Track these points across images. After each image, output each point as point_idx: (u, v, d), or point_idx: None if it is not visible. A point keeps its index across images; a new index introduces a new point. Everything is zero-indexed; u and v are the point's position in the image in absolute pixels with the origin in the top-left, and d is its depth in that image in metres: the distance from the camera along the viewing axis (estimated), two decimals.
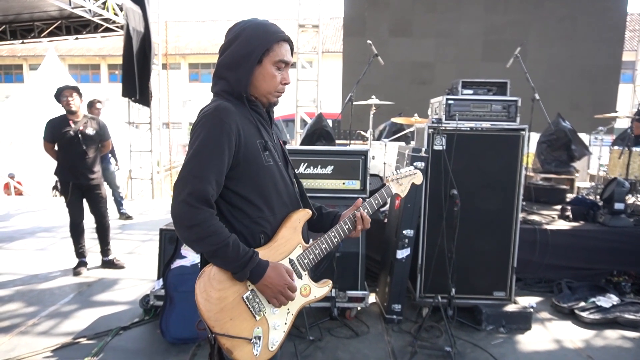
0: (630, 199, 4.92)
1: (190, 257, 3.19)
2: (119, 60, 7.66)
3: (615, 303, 3.66)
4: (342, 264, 3.42)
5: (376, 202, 1.76)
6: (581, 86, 8.71)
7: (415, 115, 5.04)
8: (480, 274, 3.53)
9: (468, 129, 3.39)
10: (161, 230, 3.47)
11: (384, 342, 3.14)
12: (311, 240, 1.65)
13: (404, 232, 3.36)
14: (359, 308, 3.51)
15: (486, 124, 3.40)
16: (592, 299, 3.73)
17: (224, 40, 1.56)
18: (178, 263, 3.16)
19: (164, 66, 9.95)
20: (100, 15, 7.68)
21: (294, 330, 3.10)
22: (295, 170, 3.37)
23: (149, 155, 9.62)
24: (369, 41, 5.29)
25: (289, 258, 1.56)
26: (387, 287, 3.54)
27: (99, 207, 4.54)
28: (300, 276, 1.58)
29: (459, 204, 3.26)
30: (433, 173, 3.42)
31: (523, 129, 3.39)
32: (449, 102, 3.40)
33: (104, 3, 7.71)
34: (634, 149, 5.26)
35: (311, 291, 1.61)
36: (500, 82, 3.49)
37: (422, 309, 3.53)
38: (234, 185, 1.49)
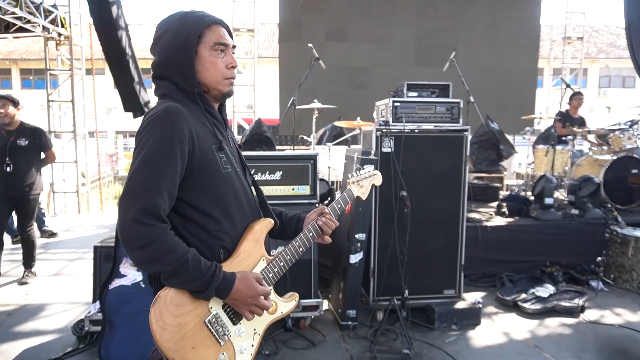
0: (556, 194, 5.27)
1: (130, 275, 2.92)
2: (34, 65, 6.95)
3: (552, 292, 3.88)
4: (295, 272, 3.29)
5: (339, 206, 1.68)
6: (505, 89, 9.28)
7: (358, 118, 5.06)
8: (431, 273, 3.58)
9: (415, 130, 3.44)
10: (95, 248, 3.16)
11: (341, 350, 3.07)
12: (274, 252, 1.54)
13: (357, 236, 3.33)
14: (313, 317, 3.42)
15: (431, 126, 3.46)
16: (532, 290, 3.93)
17: (152, 39, 1.41)
18: (117, 283, 2.89)
19: (89, 72, 9.27)
20: (13, 13, 6.97)
21: None
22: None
23: (73, 166, 8.90)
24: (310, 45, 5.25)
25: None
26: (340, 293, 3.48)
27: (22, 220, 4.33)
28: None
29: (409, 205, 3.29)
30: (383, 175, 3.39)
31: (466, 130, 3.50)
32: (396, 104, 3.43)
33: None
34: (558, 147, 5.66)
35: (277, 307, 1.50)
36: (442, 85, 3.58)
37: (376, 312, 3.51)
38: (188, 196, 1.34)
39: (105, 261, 3.09)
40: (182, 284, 1.26)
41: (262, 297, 1.35)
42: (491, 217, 4.80)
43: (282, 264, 1.50)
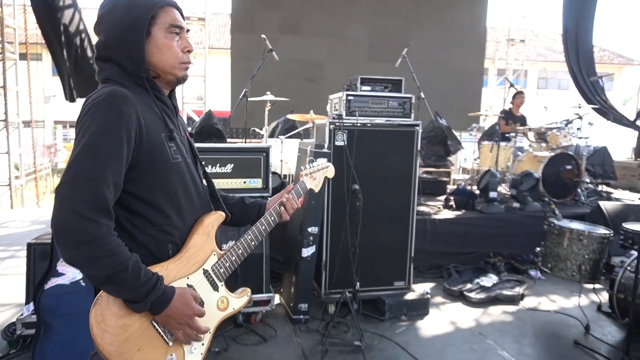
0: (499, 188, 5.52)
1: (69, 273, 2.74)
2: None
3: (495, 282, 4.05)
4: (246, 267, 3.20)
5: (292, 197, 1.65)
6: (454, 87, 9.58)
7: (311, 111, 5.04)
8: (382, 265, 3.63)
9: (368, 124, 3.46)
10: (29, 245, 2.94)
11: (293, 344, 3.05)
12: (225, 247, 1.49)
13: (309, 229, 3.31)
14: (264, 311, 3.38)
15: (384, 120, 3.49)
16: (477, 280, 4.09)
17: (97, 17, 1.31)
18: (54, 282, 2.70)
19: (23, 56, 8.63)
20: None
21: None
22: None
23: (4, 157, 8.26)
24: (263, 36, 5.15)
25: (203, 269, 1.37)
26: (292, 287, 3.46)
27: None
28: (216, 288, 1.40)
29: (361, 198, 3.31)
30: (335, 169, 3.40)
31: (417, 125, 3.56)
32: (349, 97, 3.43)
33: None
34: (501, 143, 5.92)
35: (229, 303, 1.45)
36: (395, 80, 3.63)
37: (328, 305, 3.52)
38: (134, 188, 1.25)
39: (40, 259, 2.88)
40: (116, 291, 1.16)
41: (196, 318, 1.28)
42: (439, 210, 4.95)
43: (233, 258, 1.46)
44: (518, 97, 6.67)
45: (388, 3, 9.33)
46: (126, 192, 1.24)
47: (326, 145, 3.28)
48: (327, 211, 3.46)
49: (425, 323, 3.44)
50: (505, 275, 4.34)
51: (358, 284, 3.40)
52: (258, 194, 3.39)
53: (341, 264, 3.48)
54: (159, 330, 1.23)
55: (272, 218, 1.56)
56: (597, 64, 10.46)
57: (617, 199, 5.88)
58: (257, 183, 3.42)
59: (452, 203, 4.98)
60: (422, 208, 4.95)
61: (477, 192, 5.09)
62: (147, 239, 1.28)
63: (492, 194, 4.75)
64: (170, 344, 1.25)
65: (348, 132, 3.39)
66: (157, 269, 1.25)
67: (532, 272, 4.36)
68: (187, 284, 1.32)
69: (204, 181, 1.52)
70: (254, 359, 2.87)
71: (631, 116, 8.94)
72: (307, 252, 3.32)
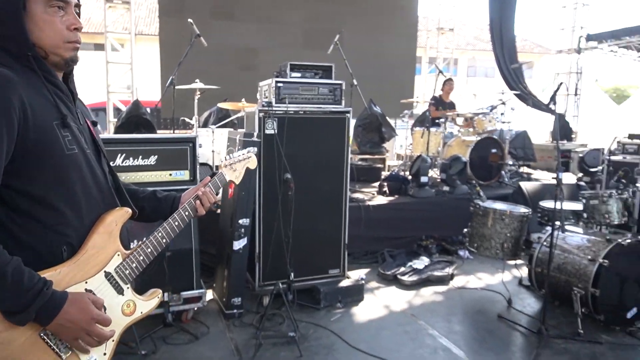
0: (430, 173, 5.69)
1: None
2: None
3: (427, 264, 4.19)
4: (174, 264, 3.10)
5: (209, 190, 1.56)
6: (387, 75, 9.74)
7: (243, 100, 4.90)
8: (317, 254, 3.62)
9: (299, 111, 3.40)
10: None
11: (226, 340, 2.97)
12: (132, 245, 1.38)
13: (240, 221, 3.22)
14: (196, 308, 3.26)
15: (314, 107, 3.45)
16: (410, 263, 4.20)
17: None
18: None
19: None
20: None
21: (121, 348, 2.69)
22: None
23: None
24: (190, 20, 4.91)
25: (105, 271, 1.26)
26: (225, 282, 3.36)
27: None
28: (120, 291, 1.29)
29: (293, 187, 3.26)
30: (266, 158, 3.34)
31: (348, 112, 3.56)
32: (279, 84, 3.35)
33: None
34: (432, 129, 6.10)
35: (136, 307, 1.34)
36: (325, 66, 3.59)
37: (263, 298, 3.46)
38: (19, 183, 1.11)
39: None
40: None
41: (97, 324, 1.16)
42: (373, 196, 5.02)
43: (141, 258, 1.35)
44: (447, 84, 6.90)
45: None
46: (9, 187, 1.10)
47: (255, 134, 3.19)
48: (258, 202, 3.38)
49: (360, 309, 3.48)
50: (436, 257, 4.50)
51: (292, 274, 3.36)
52: (185, 187, 3.22)
53: (275, 255, 3.42)
54: (50, 343, 1.11)
55: (187, 213, 1.46)
56: (520, 52, 11.08)
57: (536, 179, 6.27)
58: (184, 175, 3.26)
59: (385, 189, 5.07)
60: (357, 195, 5.00)
61: (410, 177, 5.22)
62: (35, 241, 1.14)
63: (423, 179, 4.89)
64: (64, 357, 1.13)
65: (278, 120, 3.31)
66: (47, 273, 1.12)
67: (461, 252, 4.56)
68: (86, 289, 1.20)
69: (109, 175, 1.39)
70: (186, 359, 2.75)
71: (555, 102, 9.58)
72: (238, 244, 3.23)
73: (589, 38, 10.01)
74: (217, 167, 4.71)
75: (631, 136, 5.65)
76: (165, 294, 3.07)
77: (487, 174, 5.75)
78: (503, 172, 5.86)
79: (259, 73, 8.09)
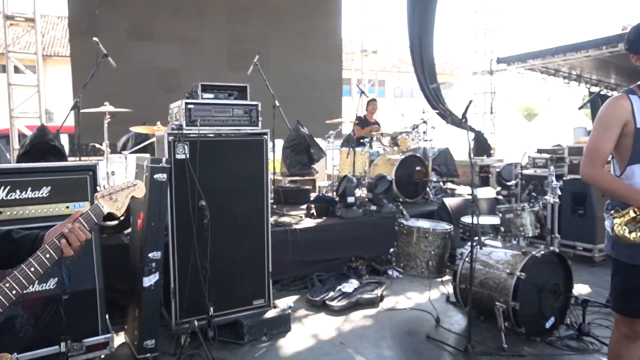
0: (358, 192, 5.69)
1: None
2: None
3: (356, 287, 4.09)
4: (74, 307, 2.74)
5: (79, 225, 1.33)
6: (315, 96, 9.80)
7: (158, 123, 4.61)
8: (239, 284, 3.39)
9: (212, 134, 3.21)
10: None
11: None
12: None
13: (150, 255, 2.92)
14: (102, 357, 2.89)
15: (229, 129, 3.27)
16: (339, 287, 4.08)
17: None
18: None
19: None
20: None
21: None
22: None
23: None
24: (96, 39, 4.58)
25: None
26: (136, 322, 3.03)
27: None
28: None
29: (209, 215, 3.03)
30: (178, 184, 3.10)
31: (265, 133, 3.41)
32: (189, 106, 3.14)
33: None
34: (357, 149, 6.13)
35: None
36: (240, 87, 3.44)
37: (181, 337, 3.16)
38: None
39: None
40: None
41: None
42: (301, 219, 4.89)
43: None
44: (371, 104, 7.02)
45: (246, 10, 9.18)
46: None
47: (164, 159, 2.94)
48: (171, 232, 3.11)
49: (287, 341, 3.28)
50: (366, 279, 4.43)
51: (212, 308, 3.11)
52: None
53: (193, 289, 3.15)
54: None
55: (48, 256, 1.22)
56: (441, 74, 11.68)
57: (459, 195, 6.49)
58: (84, 207, 2.92)
59: (313, 211, 4.97)
60: (284, 218, 4.84)
61: (337, 198, 5.15)
62: None
63: (350, 199, 4.84)
64: None
65: (190, 144, 3.10)
66: None
67: (391, 272, 4.52)
68: None
69: None
70: None
71: (466, 119, 10.11)
72: (149, 280, 2.93)
73: (499, 61, 10.74)
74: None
75: (540, 151, 6.03)
76: (63, 344, 2.70)
77: (413, 191, 5.84)
78: (428, 189, 5.99)
79: (181, 95, 7.80)
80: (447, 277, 4.01)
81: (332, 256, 4.65)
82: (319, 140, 7.30)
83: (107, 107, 4.49)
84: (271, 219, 4.70)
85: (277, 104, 5.11)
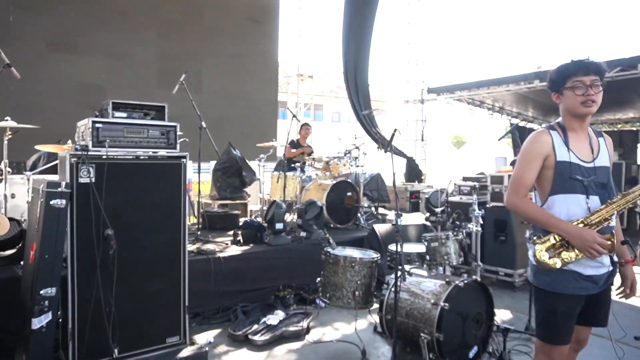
0: (289, 218, 5.54)
1: None
2: None
3: (282, 318, 3.90)
4: None
5: None
6: (249, 118, 9.64)
7: (69, 141, 4.22)
8: (151, 321, 3.07)
9: (123, 157, 2.93)
10: None
11: None
12: None
13: (42, 292, 2.58)
14: None
15: (143, 152, 3.02)
16: (264, 319, 3.86)
17: None
18: None
19: None
20: None
21: None
22: None
23: None
24: None
25: None
26: None
27: None
28: None
29: (115, 245, 2.74)
30: (81, 211, 2.77)
31: (184, 157, 3.18)
32: (97, 125, 2.86)
33: None
34: (289, 174, 6.02)
35: None
36: (158, 106, 3.20)
37: None
38: None
39: None
40: None
41: None
42: (227, 246, 4.64)
43: None
44: (304, 128, 6.98)
45: (180, 27, 8.91)
46: None
47: (63, 184, 2.63)
48: (71, 264, 2.76)
49: None
50: (293, 309, 4.25)
51: (117, 350, 2.79)
52: None
53: (95, 328, 2.80)
54: None
55: None
56: (377, 101, 11.99)
57: (390, 220, 6.55)
58: None
59: (239, 238, 4.74)
60: (208, 246, 4.56)
61: (265, 224, 4.97)
62: None
63: (279, 225, 4.68)
64: None
65: (96, 167, 2.80)
66: None
67: (318, 301, 4.37)
68: None
69: None
70: None
71: (392, 147, 10.41)
72: (39, 322, 2.57)
73: (429, 91, 11.25)
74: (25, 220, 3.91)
75: (465, 179, 6.26)
76: None
77: (344, 217, 5.80)
78: (359, 215, 5.97)
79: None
80: (375, 306, 3.95)
81: (258, 285, 4.43)
82: (252, 164, 7.13)
83: (8, 123, 4.04)
84: (193, 247, 4.47)
85: (204, 125, 4.89)
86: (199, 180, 5.18)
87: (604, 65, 2.06)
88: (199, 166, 4.99)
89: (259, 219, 5.60)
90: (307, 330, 3.82)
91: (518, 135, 10.83)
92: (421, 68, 12.68)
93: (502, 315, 4.21)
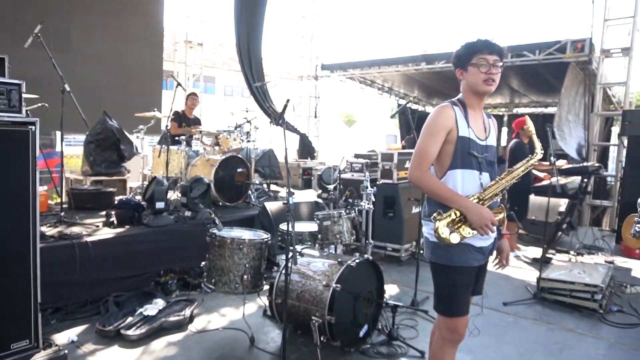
0: (173, 196, 5.06)
1: None
2: None
3: (161, 307, 3.51)
4: None
5: None
6: (129, 85, 8.67)
7: None
8: None
9: None
10: None
11: None
12: None
13: None
14: None
15: None
16: (140, 310, 3.45)
17: None
18: None
19: None
20: None
21: None
22: None
23: None
24: None
25: None
26: None
27: None
28: None
29: None
30: None
31: (32, 123, 2.60)
32: None
33: None
34: (173, 148, 5.48)
35: None
36: None
37: None
38: None
39: None
40: None
41: None
42: (97, 229, 4.06)
43: None
44: (191, 98, 6.42)
45: None
46: None
47: None
48: None
49: None
50: (175, 296, 3.89)
51: None
52: None
53: None
54: None
55: None
56: (270, 76, 11.61)
57: (282, 198, 6.38)
58: None
59: (113, 219, 4.18)
60: (74, 229, 3.94)
61: (144, 203, 4.45)
62: None
63: (159, 204, 4.21)
64: None
65: None
66: None
67: (204, 286, 4.05)
68: None
69: None
70: None
71: (284, 119, 10.25)
72: None
73: (323, 67, 11.21)
74: None
75: (357, 156, 6.31)
76: None
77: (234, 195, 5.47)
78: (250, 192, 5.70)
79: None
80: (266, 287, 3.76)
81: (135, 272, 3.95)
82: (132, 137, 6.38)
83: None
84: (54, 231, 3.84)
85: (67, 88, 4.16)
86: (62, 152, 4.44)
87: (505, 49, 2.11)
88: (62, 137, 4.26)
89: (138, 198, 5.03)
90: (191, 318, 3.50)
91: (410, 113, 11.35)
92: (315, 44, 12.57)
93: (389, 290, 4.31)
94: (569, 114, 7.84)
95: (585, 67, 7.94)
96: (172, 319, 3.39)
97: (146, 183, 5.91)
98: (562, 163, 6.01)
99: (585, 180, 5.71)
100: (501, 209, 2.04)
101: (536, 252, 5.83)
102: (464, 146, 2.03)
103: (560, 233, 6.56)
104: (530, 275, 4.86)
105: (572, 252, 5.81)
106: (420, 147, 2.06)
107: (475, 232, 1.95)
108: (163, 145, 5.31)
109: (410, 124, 3.92)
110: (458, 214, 1.96)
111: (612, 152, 9.49)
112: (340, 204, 3.87)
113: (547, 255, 5.11)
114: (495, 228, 1.96)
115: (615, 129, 9.94)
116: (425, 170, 2.04)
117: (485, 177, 2.08)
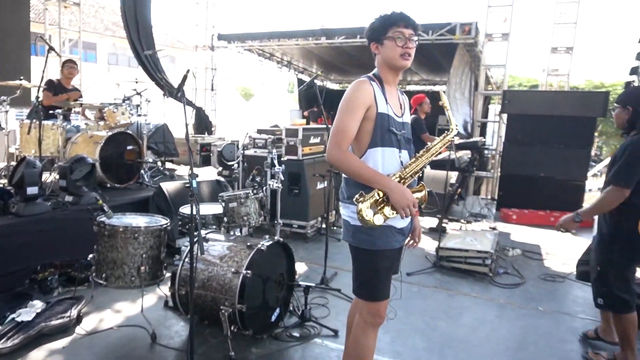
0: (49, 178, 4.37)
1: None
2: None
3: (39, 310, 3.02)
4: None
5: None
6: None
7: None
8: None
9: None
10: None
11: None
12: None
13: None
14: None
15: None
16: (12, 316, 2.93)
17: None
18: None
19: None
20: None
21: None
22: None
23: None
24: None
25: None
26: None
27: None
28: None
29: None
30: None
31: None
32: None
33: None
34: (47, 122, 4.72)
35: None
36: None
37: None
38: None
39: None
40: None
41: None
42: None
43: None
44: (67, 66, 5.57)
45: None
46: None
47: None
48: None
49: None
50: (58, 294, 3.39)
51: None
52: None
53: None
54: None
55: None
56: (162, 45, 10.63)
57: (179, 177, 5.93)
58: None
59: None
60: None
61: (12, 189, 3.77)
62: None
63: (31, 190, 3.58)
64: None
65: None
66: None
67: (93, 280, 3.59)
68: None
69: None
70: None
71: (184, 92, 9.57)
72: None
73: (220, 37, 10.59)
74: None
75: (260, 131, 6.07)
76: None
77: (124, 175, 4.93)
78: (143, 172, 5.18)
79: None
80: (167, 275, 3.44)
81: (3, 271, 3.35)
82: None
83: None
84: None
85: None
86: None
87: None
88: None
89: (3, 182, 4.26)
90: (78, 319, 3.06)
91: (317, 87, 11.29)
92: (211, 12, 11.79)
93: (298, 269, 4.23)
94: (456, 92, 8.39)
95: (472, 49, 8.52)
96: (54, 322, 2.93)
97: (13, 164, 5.05)
98: (455, 138, 6.41)
99: (475, 154, 6.15)
100: (422, 187, 2.00)
101: (431, 221, 6.18)
102: (383, 123, 1.95)
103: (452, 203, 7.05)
104: (429, 244, 5.13)
105: (462, 221, 6.29)
106: (339, 125, 1.92)
107: (395, 212, 1.88)
108: (34, 120, 4.54)
109: (318, 98, 3.79)
110: (381, 194, 1.88)
111: (490, 128, 10.46)
112: (247, 184, 3.64)
113: (442, 225, 5.43)
114: (416, 210, 1.91)
115: (492, 107, 10.94)
116: (345, 149, 1.92)
117: (405, 155, 2.02)
